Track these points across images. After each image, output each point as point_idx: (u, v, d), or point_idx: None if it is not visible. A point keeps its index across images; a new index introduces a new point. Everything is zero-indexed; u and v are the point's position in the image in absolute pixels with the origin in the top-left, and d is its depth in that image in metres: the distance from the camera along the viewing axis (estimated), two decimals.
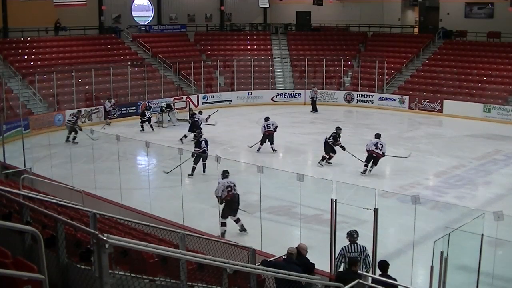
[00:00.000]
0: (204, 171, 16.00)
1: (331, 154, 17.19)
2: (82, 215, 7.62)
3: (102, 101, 24.73)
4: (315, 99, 26.92)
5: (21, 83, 23.86)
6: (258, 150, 18.84)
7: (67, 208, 8.03)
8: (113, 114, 24.34)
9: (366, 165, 16.14)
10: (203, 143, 16.07)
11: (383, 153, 16.07)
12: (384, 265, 7.49)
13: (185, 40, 32.68)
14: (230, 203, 11.73)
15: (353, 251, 8.37)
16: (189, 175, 15.69)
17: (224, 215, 11.71)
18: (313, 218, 12.32)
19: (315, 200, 12.54)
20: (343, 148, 17.23)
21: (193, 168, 15.75)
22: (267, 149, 18.76)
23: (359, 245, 8.47)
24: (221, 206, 11.62)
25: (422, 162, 17.74)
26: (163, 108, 24.06)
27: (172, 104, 24.71)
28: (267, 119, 19.33)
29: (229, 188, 11.70)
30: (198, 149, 15.91)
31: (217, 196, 11.70)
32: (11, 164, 14.81)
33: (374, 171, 16.12)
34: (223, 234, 11.41)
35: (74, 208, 8.10)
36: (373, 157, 16.02)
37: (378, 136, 16.52)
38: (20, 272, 3.59)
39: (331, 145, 17.14)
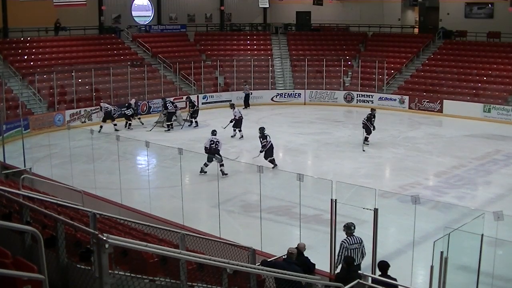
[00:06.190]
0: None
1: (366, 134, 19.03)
2: (82, 215, 7.62)
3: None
4: (248, 95, 27.77)
5: (21, 83, 23.86)
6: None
7: (67, 208, 8.03)
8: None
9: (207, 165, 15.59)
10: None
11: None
12: (383, 266, 7.48)
13: (185, 40, 32.67)
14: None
15: (353, 243, 8.45)
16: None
17: None
18: (313, 218, 12.31)
19: (315, 200, 12.54)
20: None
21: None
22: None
23: (356, 237, 8.54)
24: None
25: (422, 162, 17.73)
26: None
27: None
28: (232, 106, 21.30)
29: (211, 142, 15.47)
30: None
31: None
32: (11, 164, 14.82)
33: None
34: None
35: (74, 208, 8.10)
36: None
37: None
38: (20, 272, 3.59)
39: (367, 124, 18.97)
